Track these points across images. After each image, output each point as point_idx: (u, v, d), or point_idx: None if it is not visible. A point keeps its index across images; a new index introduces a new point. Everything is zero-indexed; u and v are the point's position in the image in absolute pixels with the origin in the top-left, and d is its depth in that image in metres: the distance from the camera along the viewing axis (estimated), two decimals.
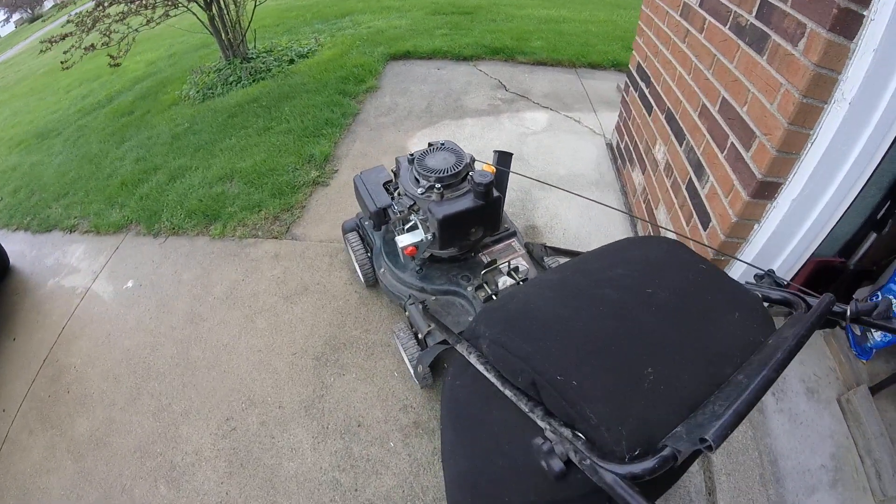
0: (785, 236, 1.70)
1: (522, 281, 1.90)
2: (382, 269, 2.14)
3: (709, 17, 2.01)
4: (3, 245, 3.11)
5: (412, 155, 1.88)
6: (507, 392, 1.06)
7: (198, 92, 5.01)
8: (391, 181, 2.03)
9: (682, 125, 2.19)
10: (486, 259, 1.99)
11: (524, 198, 3.01)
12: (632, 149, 2.99)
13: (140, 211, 3.26)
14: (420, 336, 1.83)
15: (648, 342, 1.00)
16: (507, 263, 1.97)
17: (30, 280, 3.03)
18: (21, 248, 3.33)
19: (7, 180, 4.39)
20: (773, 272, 1.35)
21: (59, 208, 3.59)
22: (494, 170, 1.83)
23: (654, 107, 2.60)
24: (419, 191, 1.77)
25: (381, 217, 1.91)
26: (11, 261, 3.19)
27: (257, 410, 2.07)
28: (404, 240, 1.84)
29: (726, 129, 1.82)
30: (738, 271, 1.87)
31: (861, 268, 1.93)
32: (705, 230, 1.93)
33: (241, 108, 4.31)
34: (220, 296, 2.58)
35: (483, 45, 4.99)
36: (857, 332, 1.90)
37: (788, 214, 1.61)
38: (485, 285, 1.89)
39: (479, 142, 3.58)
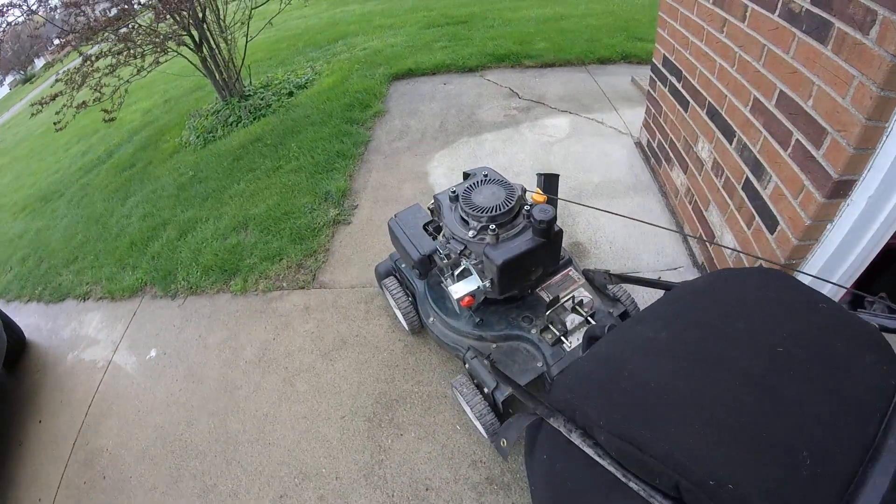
0: (859, 233, 1.57)
1: (591, 317, 1.69)
2: (431, 319, 1.94)
3: (751, 5, 1.82)
4: (17, 321, 2.96)
5: (454, 192, 1.68)
6: (642, 492, 0.87)
7: (198, 137, 4.87)
8: (431, 222, 1.82)
9: (729, 121, 2.04)
10: (545, 295, 1.78)
11: (562, 212, 2.81)
12: (667, 147, 2.81)
13: (153, 272, 3.09)
14: (486, 391, 1.64)
15: (794, 416, 0.85)
16: (570, 297, 1.76)
17: (48, 355, 2.86)
18: (36, 320, 3.17)
19: (15, 248, 4.27)
20: (885, 297, 1.17)
21: (69, 275, 3.43)
22: (545, 197, 1.64)
23: (692, 102, 2.42)
24: (470, 234, 1.58)
25: (426, 265, 1.72)
26: (28, 335, 3.04)
27: (312, 484, 1.87)
28: (459, 290, 1.63)
29: (788, 125, 1.66)
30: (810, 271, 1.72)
31: None
32: (772, 234, 1.78)
33: (245, 149, 4.14)
34: (251, 359, 2.38)
35: (486, 53, 4.82)
36: None
37: (865, 211, 1.48)
38: (550, 326, 1.69)
39: (502, 157, 3.39)
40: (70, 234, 3.99)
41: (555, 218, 1.48)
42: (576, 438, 0.97)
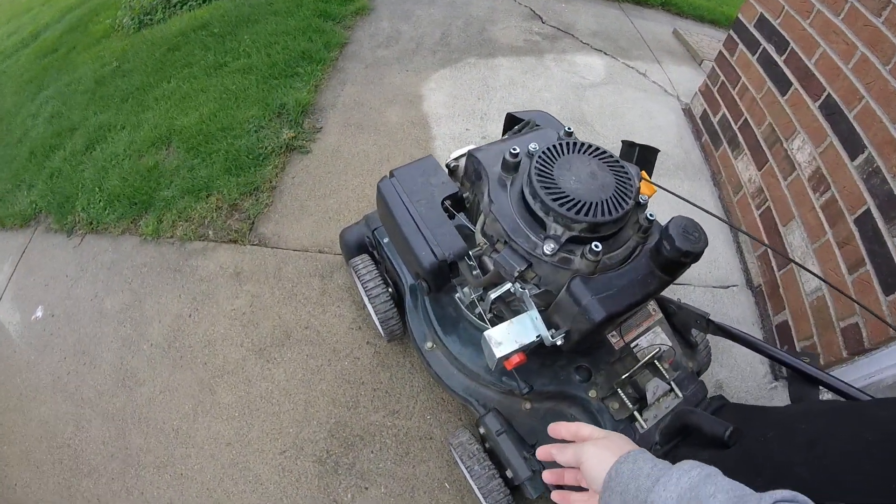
0: None
1: (677, 385, 1.06)
2: (430, 345, 1.29)
3: None
4: None
5: (515, 150, 0.94)
6: None
7: (133, 19, 3.91)
8: (456, 196, 1.09)
9: (860, 131, 1.53)
10: (611, 337, 1.11)
11: None
12: (736, 128, 2.23)
13: (50, 195, 2.35)
14: (510, 476, 1.09)
15: None
16: (640, 344, 1.10)
17: None
18: None
19: None
20: None
21: None
22: (652, 188, 1.03)
23: (798, 86, 1.85)
24: (547, 247, 0.87)
25: (444, 276, 1.04)
26: None
27: None
28: (502, 343, 0.91)
29: None
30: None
31: None
32: (888, 294, 1.34)
33: (186, 37, 3.19)
34: (158, 342, 1.72)
35: None
36: None
37: None
38: (619, 392, 1.04)
39: (521, 92, 2.62)
40: None
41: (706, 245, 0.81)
42: None
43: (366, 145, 2.24)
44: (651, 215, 0.89)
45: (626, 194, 0.88)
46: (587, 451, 0.65)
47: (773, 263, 1.85)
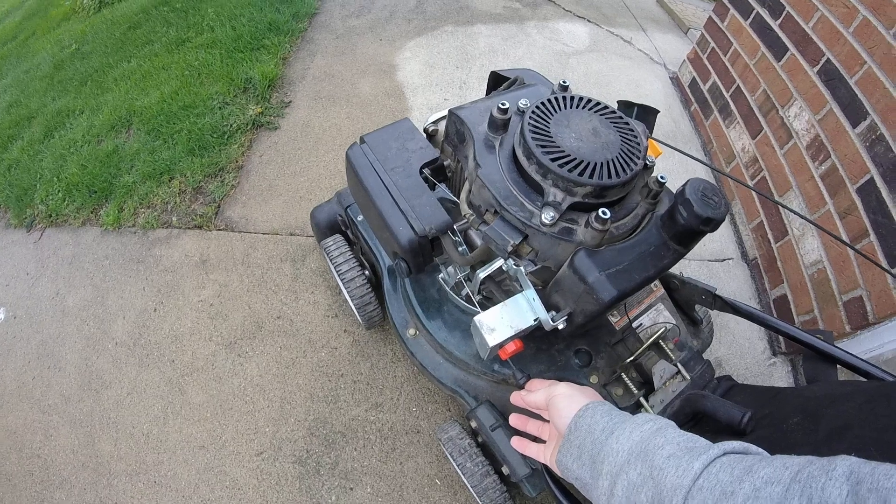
0: None
1: (683, 366, 0.97)
2: (412, 332, 1.19)
3: None
4: None
5: (504, 105, 0.81)
6: None
7: None
8: (434, 161, 0.97)
9: (861, 97, 1.45)
10: (612, 315, 1.00)
11: None
12: (727, 96, 2.12)
13: (8, 188, 2.23)
14: (507, 472, 1.01)
15: None
16: (642, 323, 0.99)
17: None
18: None
19: None
20: None
21: None
22: (658, 149, 0.92)
23: (794, 52, 1.75)
24: (546, 216, 0.74)
25: (425, 254, 0.92)
26: None
27: None
28: (496, 330, 0.79)
29: None
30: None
31: None
32: (893, 267, 1.28)
33: (148, 14, 3.00)
34: (123, 340, 1.60)
35: None
36: None
37: None
38: (623, 377, 0.95)
39: (502, 60, 2.48)
40: None
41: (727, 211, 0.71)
42: None
43: (338, 118, 2.10)
44: (662, 177, 0.78)
45: (634, 154, 0.76)
46: (557, 394, 0.69)
47: (770, 236, 1.76)
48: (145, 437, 1.42)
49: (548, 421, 0.72)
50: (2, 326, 1.77)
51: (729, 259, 1.84)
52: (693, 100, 2.39)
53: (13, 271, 1.92)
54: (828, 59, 1.59)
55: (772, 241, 1.75)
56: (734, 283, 1.78)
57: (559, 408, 0.66)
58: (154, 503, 1.32)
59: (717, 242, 1.88)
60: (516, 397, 0.78)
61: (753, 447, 0.48)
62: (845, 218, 1.45)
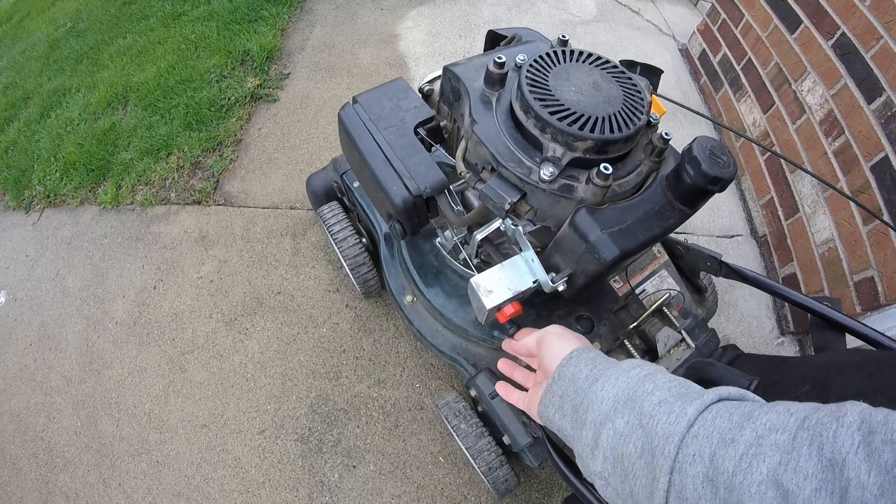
0: None
1: (688, 334, 0.96)
2: (410, 298, 1.17)
3: None
4: None
5: (501, 59, 0.76)
6: None
7: None
8: (429, 121, 0.92)
9: (878, 73, 1.39)
10: (614, 281, 0.95)
11: None
12: (738, 69, 2.04)
13: (6, 170, 2.20)
14: (508, 442, 0.99)
15: None
16: (646, 289, 0.94)
17: None
18: None
19: None
20: None
21: None
22: (663, 108, 0.88)
23: (808, 24, 1.67)
24: (545, 172, 0.70)
25: (420, 216, 0.87)
26: None
27: None
28: (493, 292, 0.76)
29: None
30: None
31: None
32: None
33: None
34: (123, 320, 1.59)
35: None
36: None
37: None
38: (626, 343, 0.94)
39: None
40: None
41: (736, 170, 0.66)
42: None
43: (338, 89, 2.04)
44: (667, 134, 0.73)
45: (637, 108, 0.72)
46: (548, 332, 0.67)
47: (780, 213, 1.71)
48: (147, 416, 1.41)
49: (535, 371, 0.70)
50: (2, 309, 1.77)
51: (738, 235, 1.79)
52: (703, 72, 2.31)
53: (13, 253, 1.91)
54: (843, 32, 1.52)
55: (782, 218, 1.70)
56: (743, 260, 1.74)
57: (550, 344, 0.63)
58: (157, 483, 1.32)
59: (725, 219, 1.82)
60: (507, 344, 0.75)
61: (751, 394, 0.45)
62: (858, 196, 1.40)
